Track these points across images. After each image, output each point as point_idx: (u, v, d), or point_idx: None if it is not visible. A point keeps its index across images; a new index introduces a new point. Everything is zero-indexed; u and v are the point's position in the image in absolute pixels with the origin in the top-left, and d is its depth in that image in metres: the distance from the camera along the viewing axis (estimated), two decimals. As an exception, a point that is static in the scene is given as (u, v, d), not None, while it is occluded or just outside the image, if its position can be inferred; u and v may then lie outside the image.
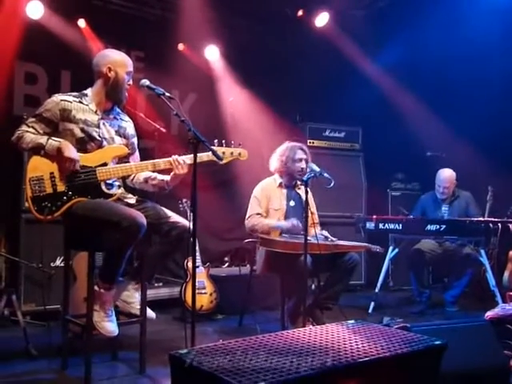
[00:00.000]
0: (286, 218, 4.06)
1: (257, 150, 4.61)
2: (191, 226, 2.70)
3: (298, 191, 4.21)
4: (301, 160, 4.07)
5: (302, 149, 4.14)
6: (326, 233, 3.98)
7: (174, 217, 3.08)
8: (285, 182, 4.18)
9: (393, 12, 5.67)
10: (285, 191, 4.18)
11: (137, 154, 3.29)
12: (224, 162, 3.05)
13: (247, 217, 4.09)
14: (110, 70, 3.03)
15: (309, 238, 3.47)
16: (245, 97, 5.83)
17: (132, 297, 3.11)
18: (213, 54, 5.76)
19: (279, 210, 4.10)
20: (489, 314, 3.19)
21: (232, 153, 3.12)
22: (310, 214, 3.89)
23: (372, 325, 2.58)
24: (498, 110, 5.26)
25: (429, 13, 5.40)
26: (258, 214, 4.06)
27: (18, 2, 4.58)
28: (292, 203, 4.15)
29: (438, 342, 2.27)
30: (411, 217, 5.12)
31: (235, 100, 5.84)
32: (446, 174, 5.11)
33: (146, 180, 3.19)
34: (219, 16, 5.38)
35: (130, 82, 3.11)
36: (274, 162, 4.20)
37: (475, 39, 5.12)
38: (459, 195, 5.18)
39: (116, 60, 3.06)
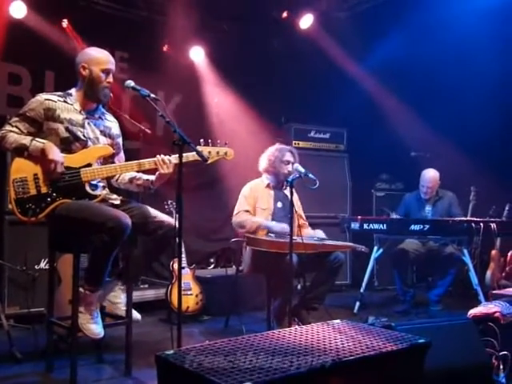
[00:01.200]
0: (273, 218, 4.09)
1: (242, 151, 4.59)
2: (177, 226, 2.69)
3: (286, 192, 4.24)
4: (288, 162, 4.11)
5: (290, 151, 4.18)
6: (321, 232, 4.00)
7: (160, 216, 3.06)
8: (271, 182, 4.22)
9: (377, 14, 5.71)
10: (272, 192, 4.21)
11: (122, 154, 3.28)
12: (210, 161, 3.04)
13: (235, 213, 4.11)
14: (84, 68, 3.01)
15: (294, 237, 3.49)
16: (230, 98, 5.83)
17: (118, 297, 3.10)
18: (198, 55, 5.75)
19: (266, 210, 4.13)
20: (472, 312, 3.22)
21: (218, 152, 3.12)
22: (296, 216, 3.95)
23: (357, 324, 2.60)
24: (482, 110, 5.32)
25: (413, 15, 5.44)
26: (246, 210, 4.08)
27: (1, 2, 4.53)
28: (279, 204, 4.18)
29: (421, 341, 2.29)
30: (394, 215, 5.15)
31: (220, 101, 5.84)
32: (430, 174, 5.20)
33: (131, 180, 3.17)
34: (204, 17, 5.38)
35: (110, 80, 3.04)
36: (263, 162, 4.24)
37: (460, 41, 5.17)
38: (442, 196, 5.26)
39: (90, 58, 3.03)
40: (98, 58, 3.03)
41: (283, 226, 3.89)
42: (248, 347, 2.15)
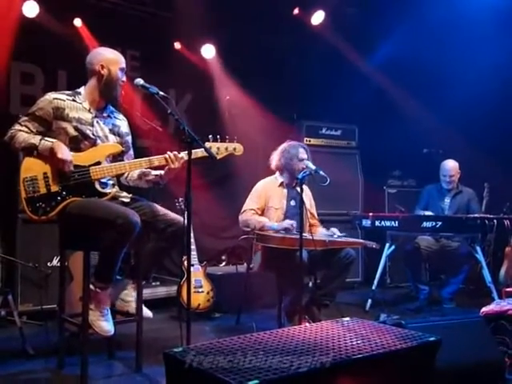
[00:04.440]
0: (286, 217, 4.08)
1: (254, 148, 4.62)
2: (186, 224, 2.69)
3: (299, 190, 4.21)
4: (302, 159, 4.04)
5: (303, 148, 4.15)
6: (335, 230, 3.98)
7: (169, 214, 3.07)
8: (285, 180, 4.19)
9: (388, 9, 5.66)
10: (285, 190, 4.19)
11: (131, 152, 3.29)
12: (219, 157, 3.05)
13: (241, 211, 4.11)
14: (102, 67, 3.03)
15: (304, 234, 3.48)
16: (241, 95, 5.82)
17: (130, 295, 3.11)
18: (209, 52, 5.75)
19: (279, 209, 4.12)
20: (484, 309, 3.19)
21: (227, 148, 3.12)
22: (308, 214, 3.95)
23: (367, 322, 2.59)
24: (495, 106, 5.27)
25: (424, 9, 5.40)
26: (251, 209, 4.07)
27: (14, 2, 4.57)
28: (293, 203, 4.15)
29: (432, 339, 2.28)
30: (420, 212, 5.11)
31: (232, 98, 5.84)
32: (450, 164, 5.18)
33: (140, 176, 3.19)
34: (215, 14, 5.37)
35: (124, 79, 3.11)
36: (275, 160, 4.20)
37: (470, 36, 5.12)
38: (462, 190, 5.22)
39: (108, 58, 3.07)
40: (114, 58, 3.09)
41: (286, 226, 3.88)
42: (257, 345, 2.15)
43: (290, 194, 4.18)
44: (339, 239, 3.88)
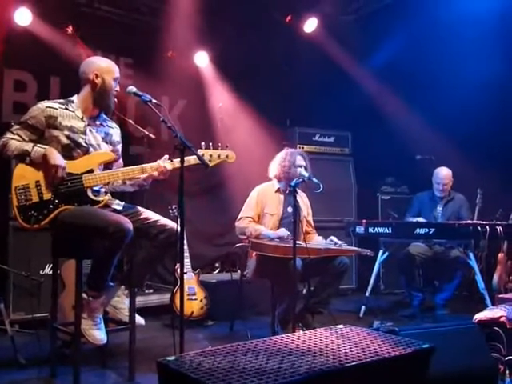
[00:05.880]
0: (282, 223, 4.08)
1: (247, 155, 4.61)
2: (179, 231, 2.68)
3: (297, 198, 4.21)
4: (300, 166, 4.04)
5: (301, 155, 4.15)
6: (335, 239, 3.97)
7: (162, 220, 3.07)
8: (282, 187, 4.19)
9: (382, 17, 5.70)
10: (282, 197, 4.18)
11: (120, 161, 3.27)
12: (212, 164, 3.05)
13: (238, 218, 4.11)
14: (96, 76, 3.03)
15: (298, 242, 3.48)
16: (234, 102, 5.84)
17: (122, 303, 3.10)
18: (202, 60, 5.77)
19: (275, 216, 4.11)
20: (477, 316, 3.19)
21: (219, 155, 3.13)
22: (304, 222, 3.96)
23: (360, 329, 2.58)
24: (488, 113, 5.29)
25: (417, 17, 5.43)
26: (248, 217, 4.07)
27: (6, 10, 4.57)
28: (290, 209, 4.13)
29: (425, 346, 2.27)
30: (410, 219, 5.13)
31: (225, 105, 5.84)
32: (444, 172, 5.20)
33: (124, 181, 3.18)
34: (208, 22, 5.39)
35: (117, 89, 3.11)
36: (274, 168, 4.19)
37: (464, 43, 5.16)
38: (454, 197, 5.24)
39: (102, 67, 3.07)
40: (108, 68, 3.09)
41: (279, 234, 3.89)
42: (250, 353, 2.14)
43: (288, 201, 4.16)
44: (334, 247, 3.88)
